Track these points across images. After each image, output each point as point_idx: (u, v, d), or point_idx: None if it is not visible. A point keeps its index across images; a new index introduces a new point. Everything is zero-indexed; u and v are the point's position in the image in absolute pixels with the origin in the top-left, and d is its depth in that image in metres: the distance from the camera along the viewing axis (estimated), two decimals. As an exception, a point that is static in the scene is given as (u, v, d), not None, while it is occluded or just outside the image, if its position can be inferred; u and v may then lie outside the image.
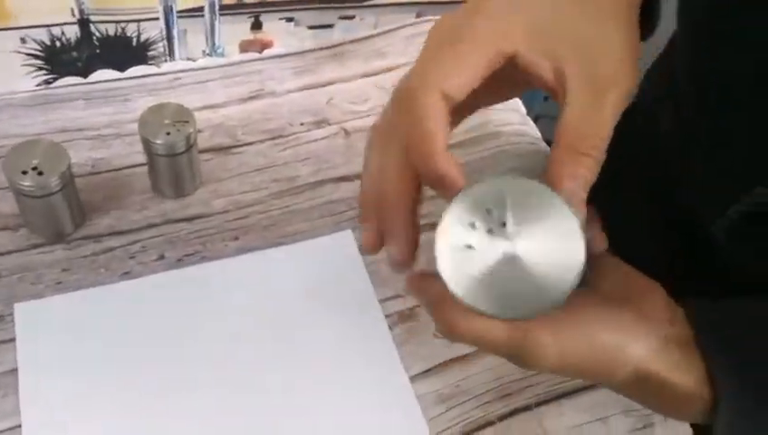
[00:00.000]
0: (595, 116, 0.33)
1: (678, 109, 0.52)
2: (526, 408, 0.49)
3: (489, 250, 0.32)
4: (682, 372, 0.34)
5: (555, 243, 0.31)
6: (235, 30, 0.93)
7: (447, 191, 0.33)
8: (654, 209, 0.57)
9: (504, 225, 0.32)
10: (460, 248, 0.32)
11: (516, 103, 0.68)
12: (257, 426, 0.47)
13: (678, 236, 0.52)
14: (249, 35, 0.96)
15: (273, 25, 0.97)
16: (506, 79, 0.36)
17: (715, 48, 0.45)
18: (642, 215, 0.59)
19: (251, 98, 0.66)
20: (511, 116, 0.66)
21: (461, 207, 0.32)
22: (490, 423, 0.48)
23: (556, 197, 0.32)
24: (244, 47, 0.95)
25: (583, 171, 0.32)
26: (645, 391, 0.36)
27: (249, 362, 0.49)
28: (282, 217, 0.58)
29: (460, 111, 0.36)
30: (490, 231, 0.32)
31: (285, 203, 0.58)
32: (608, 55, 0.34)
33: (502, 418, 0.48)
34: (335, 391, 0.49)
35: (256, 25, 0.96)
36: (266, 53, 0.70)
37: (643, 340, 0.34)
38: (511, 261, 0.31)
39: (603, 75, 0.34)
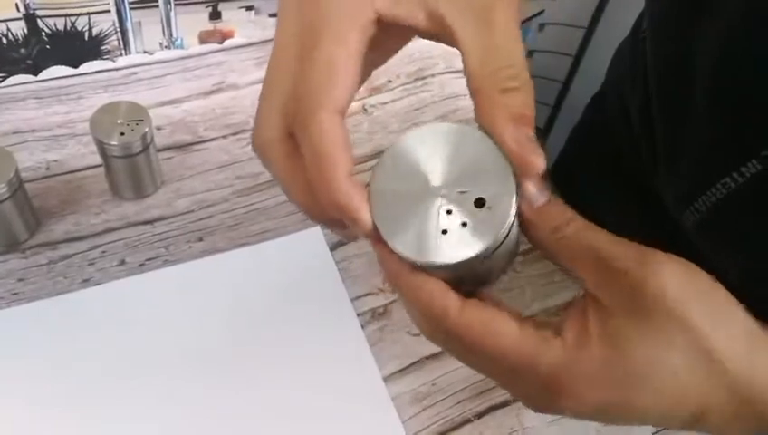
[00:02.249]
0: (493, 43, 0.29)
1: (645, 92, 0.51)
2: (504, 404, 0.48)
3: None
4: None
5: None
6: (193, 20, 0.90)
7: (348, 221, 0.29)
8: (626, 197, 0.56)
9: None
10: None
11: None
12: (227, 429, 0.46)
13: (652, 227, 0.51)
14: (208, 26, 0.93)
15: (233, 14, 0.94)
16: (392, 33, 0.32)
17: (681, 31, 0.44)
18: (614, 202, 0.58)
19: (212, 91, 0.64)
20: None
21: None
22: (467, 421, 0.47)
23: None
24: (204, 38, 0.92)
25: (517, 109, 0.28)
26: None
27: (218, 368, 0.48)
28: (247, 215, 0.56)
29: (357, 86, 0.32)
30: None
31: (251, 201, 0.57)
32: None
33: (479, 415, 0.48)
34: (306, 393, 0.47)
35: (215, 15, 0.93)
36: (227, 43, 0.68)
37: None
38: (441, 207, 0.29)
39: None
